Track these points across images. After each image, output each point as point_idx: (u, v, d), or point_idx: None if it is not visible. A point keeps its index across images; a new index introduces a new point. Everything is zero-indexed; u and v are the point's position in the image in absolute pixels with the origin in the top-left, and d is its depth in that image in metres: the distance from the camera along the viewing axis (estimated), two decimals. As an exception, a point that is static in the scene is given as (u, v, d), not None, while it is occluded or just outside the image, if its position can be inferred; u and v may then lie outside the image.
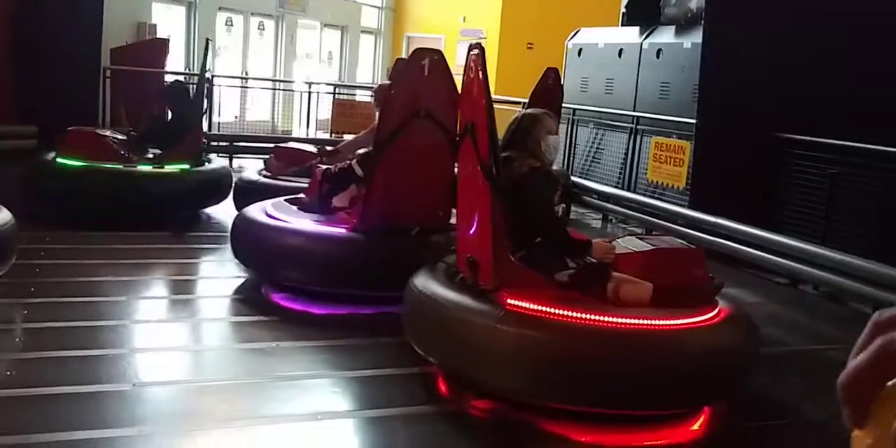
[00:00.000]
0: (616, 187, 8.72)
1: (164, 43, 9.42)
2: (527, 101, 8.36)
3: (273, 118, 14.11)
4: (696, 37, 7.60)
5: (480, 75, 3.60)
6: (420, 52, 4.72)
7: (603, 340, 3.36)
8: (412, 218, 4.80)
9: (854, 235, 6.27)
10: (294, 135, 13.12)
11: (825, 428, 3.84)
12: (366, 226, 4.73)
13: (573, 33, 10.45)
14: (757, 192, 7.02)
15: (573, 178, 9.07)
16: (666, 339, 3.44)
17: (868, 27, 6.93)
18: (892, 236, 6.14)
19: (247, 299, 5.03)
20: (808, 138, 6.67)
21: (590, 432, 3.48)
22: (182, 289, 5.38)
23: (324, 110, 12.99)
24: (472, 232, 3.70)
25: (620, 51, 9.26)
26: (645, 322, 3.41)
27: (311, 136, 12.26)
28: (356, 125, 9.81)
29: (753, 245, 6.47)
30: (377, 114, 6.71)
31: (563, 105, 8.69)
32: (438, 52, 4.78)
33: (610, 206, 8.57)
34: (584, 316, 3.37)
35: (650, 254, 3.75)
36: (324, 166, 5.57)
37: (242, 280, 5.34)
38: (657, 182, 8.23)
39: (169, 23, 12.56)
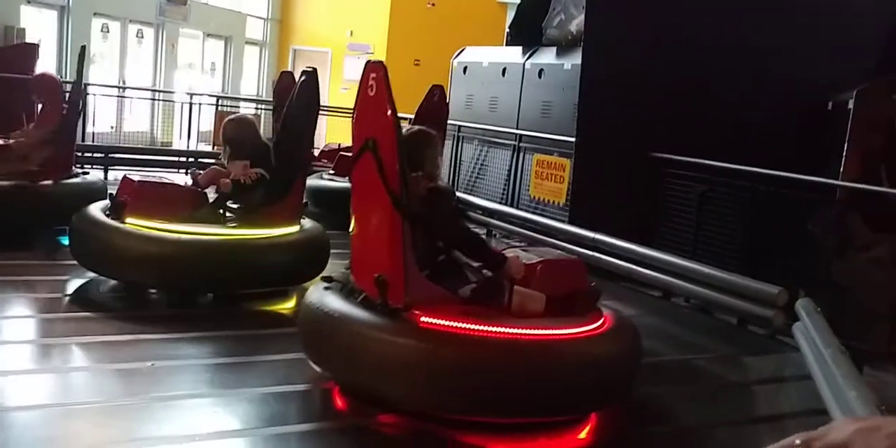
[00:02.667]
0: (500, 203, 8.89)
1: (34, 48, 8.97)
2: (412, 116, 8.48)
3: (152, 129, 13.66)
4: (576, 58, 7.87)
5: (384, 93, 3.57)
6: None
7: (516, 352, 3.50)
8: None
9: (721, 250, 6.62)
10: (175, 147, 12.75)
11: (703, 434, 4.05)
12: None
13: (459, 51, 10.62)
14: (634, 209, 7.31)
15: (458, 193, 9.18)
16: (576, 347, 3.63)
17: (731, 49, 7.37)
18: (755, 251, 6.52)
19: (119, 317, 4.83)
20: (680, 158, 7.01)
21: (503, 442, 3.58)
22: (47, 307, 5.09)
23: (206, 122, 12.68)
24: (379, 251, 3.70)
25: (504, 70, 9.48)
26: (554, 332, 3.60)
27: (193, 148, 11.95)
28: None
29: (629, 259, 6.73)
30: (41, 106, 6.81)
31: (449, 122, 8.84)
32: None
33: (494, 221, 8.72)
34: (496, 329, 3.49)
35: (541, 266, 3.91)
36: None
37: (112, 297, 5.13)
38: (539, 198, 8.44)
39: (40, 28, 11.98)
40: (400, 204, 3.53)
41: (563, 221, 7.70)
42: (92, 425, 3.44)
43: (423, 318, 3.50)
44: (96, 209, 5.32)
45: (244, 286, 5.28)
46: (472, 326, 3.48)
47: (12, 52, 9.31)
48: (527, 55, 9.20)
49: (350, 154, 9.74)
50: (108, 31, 13.57)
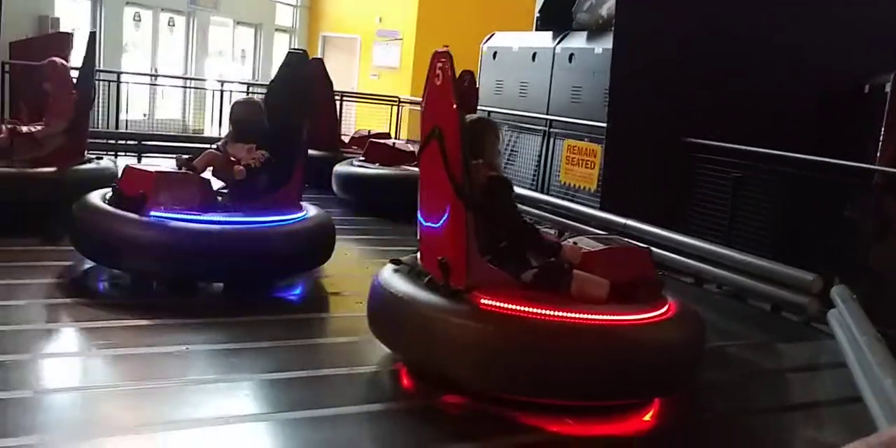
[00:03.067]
0: (530, 189, 8.85)
1: (68, 37, 9.06)
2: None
3: (184, 117, 13.79)
4: (607, 43, 7.78)
5: (450, 81, 3.64)
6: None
7: (572, 335, 3.55)
8: None
9: (755, 236, 6.53)
10: (206, 134, 12.86)
11: (736, 421, 4.02)
12: None
13: (488, 36, 10.56)
14: (665, 195, 7.24)
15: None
16: (634, 332, 3.64)
17: (766, 39, 7.25)
18: (789, 237, 6.42)
19: (134, 303, 4.86)
20: (713, 143, 6.92)
21: (561, 423, 3.60)
22: (58, 293, 5.03)
23: (237, 109, 12.70)
24: (442, 235, 3.80)
25: (534, 55, 9.41)
26: (613, 318, 3.64)
27: (223, 135, 12.04)
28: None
29: (661, 245, 6.66)
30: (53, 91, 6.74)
31: (479, 107, 8.80)
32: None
33: (524, 207, 8.68)
34: (553, 313, 3.54)
35: (607, 253, 3.97)
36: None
37: (123, 283, 5.17)
38: (569, 184, 8.39)
39: (73, 17, 12.11)
40: (462, 192, 3.62)
41: (593, 207, 7.65)
42: (127, 408, 3.49)
43: (483, 301, 3.58)
44: (97, 197, 5.21)
45: (252, 274, 5.20)
46: (531, 309, 3.54)
47: (47, 41, 9.42)
48: (557, 40, 9.12)
49: (381, 140, 9.80)
50: (140, 20, 13.68)
